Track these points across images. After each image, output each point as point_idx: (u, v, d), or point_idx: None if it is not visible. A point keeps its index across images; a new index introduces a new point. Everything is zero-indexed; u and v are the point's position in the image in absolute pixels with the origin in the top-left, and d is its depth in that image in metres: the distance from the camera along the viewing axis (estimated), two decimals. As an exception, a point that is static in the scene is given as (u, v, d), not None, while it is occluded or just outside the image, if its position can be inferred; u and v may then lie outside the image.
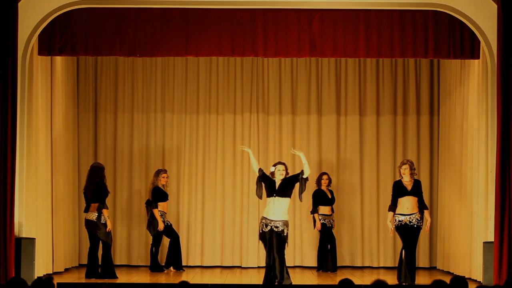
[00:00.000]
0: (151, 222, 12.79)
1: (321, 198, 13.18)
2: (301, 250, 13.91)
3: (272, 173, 10.99)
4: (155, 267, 12.78)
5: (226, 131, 14.06)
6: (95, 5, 11.28)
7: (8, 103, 10.60)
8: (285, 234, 10.79)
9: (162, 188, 12.84)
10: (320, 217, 13.12)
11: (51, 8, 11.14)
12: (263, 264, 11.60)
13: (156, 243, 12.88)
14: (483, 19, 11.05)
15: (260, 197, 11.12)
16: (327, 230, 13.15)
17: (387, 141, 14.04)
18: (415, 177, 11.26)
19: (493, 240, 10.70)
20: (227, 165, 14.02)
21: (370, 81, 14.07)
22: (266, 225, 10.82)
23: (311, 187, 12.86)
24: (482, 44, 11.14)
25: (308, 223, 13.62)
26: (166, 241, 13.03)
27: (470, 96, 12.11)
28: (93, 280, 11.51)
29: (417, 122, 14.03)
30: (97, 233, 11.79)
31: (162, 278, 11.91)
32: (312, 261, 13.66)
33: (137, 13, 11.36)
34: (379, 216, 13.84)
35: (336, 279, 11.90)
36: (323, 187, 13.24)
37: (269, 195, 10.89)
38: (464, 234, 12.20)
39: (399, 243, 12.02)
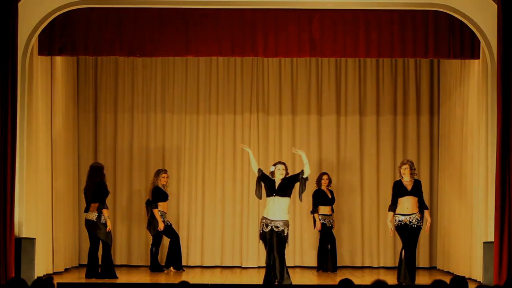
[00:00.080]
0: (151, 222, 12.79)
1: (321, 198, 13.18)
2: (301, 250, 13.91)
3: (272, 173, 10.99)
4: (155, 267, 12.78)
5: (226, 131, 14.06)
6: (95, 5, 11.29)
7: (8, 103, 10.60)
8: (285, 234, 10.79)
9: (162, 188, 12.84)
10: (320, 217, 13.12)
11: (51, 8, 11.14)
12: (263, 264, 11.60)
13: (156, 243, 12.88)
14: (483, 19, 11.05)
15: (259, 197, 11.12)
16: (327, 230, 13.15)
17: (387, 141, 14.04)
18: (415, 177, 11.26)
19: (493, 240, 10.70)
20: (227, 165, 14.02)
21: (370, 81, 14.06)
22: (267, 225, 10.82)
23: (311, 187, 12.87)
24: (482, 44, 11.14)
25: (308, 223, 13.62)
26: (166, 241, 13.03)
27: (470, 96, 12.11)
28: (93, 280, 11.51)
29: (417, 122, 14.03)
30: (97, 233, 11.79)
31: (162, 278, 11.91)
32: (312, 261, 13.66)
33: (137, 13, 11.36)
34: (379, 216, 13.84)
35: (336, 279, 11.89)
36: (323, 187, 13.24)
37: (268, 195, 10.89)
38: (464, 234, 12.20)
39: (399, 243, 12.01)
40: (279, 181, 10.90)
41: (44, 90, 11.84)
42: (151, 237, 12.98)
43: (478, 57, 11.44)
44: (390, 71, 14.10)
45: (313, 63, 14.10)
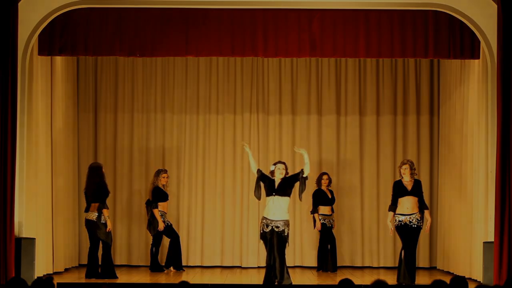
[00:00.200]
0: (151, 222, 12.79)
1: (321, 198, 13.18)
2: (301, 250, 13.91)
3: (272, 172, 10.99)
4: (155, 267, 12.78)
5: (226, 131, 14.06)
6: (95, 5, 11.28)
7: (8, 103, 10.60)
8: (285, 234, 10.79)
9: (162, 188, 12.84)
10: (320, 217, 13.11)
11: (51, 8, 11.14)
12: (263, 264, 11.60)
13: (156, 243, 12.88)
14: (483, 19, 11.05)
15: (258, 198, 11.11)
16: (327, 230, 13.15)
17: (387, 141, 14.04)
18: (415, 177, 11.26)
19: (493, 240, 10.70)
20: (227, 165, 14.02)
21: (370, 81, 14.06)
22: (267, 225, 10.81)
23: (311, 187, 12.86)
24: (482, 44, 11.14)
25: (308, 223, 13.62)
26: (166, 241, 13.03)
27: (470, 96, 12.11)
28: (93, 280, 11.51)
29: (417, 122, 14.03)
30: (97, 233, 11.79)
31: (162, 278, 11.91)
32: (312, 261, 13.66)
33: (137, 13, 11.36)
34: (379, 216, 13.84)
35: (336, 279, 11.89)
36: (323, 187, 13.24)
37: (268, 194, 10.89)
38: (464, 234, 12.20)
39: (399, 243, 12.01)
40: (279, 181, 10.89)
41: (44, 90, 11.84)
42: (151, 237, 12.98)
43: (478, 57, 11.44)
44: (390, 71, 14.10)
45: (313, 63, 14.10)
